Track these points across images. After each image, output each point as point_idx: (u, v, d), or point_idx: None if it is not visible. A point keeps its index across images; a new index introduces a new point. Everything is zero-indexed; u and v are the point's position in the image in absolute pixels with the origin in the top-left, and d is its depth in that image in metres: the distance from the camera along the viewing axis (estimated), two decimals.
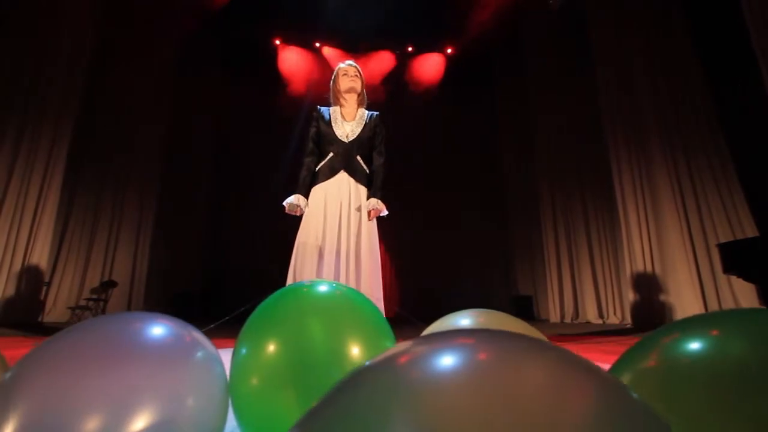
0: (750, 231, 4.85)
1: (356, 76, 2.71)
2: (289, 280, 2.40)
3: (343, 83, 2.69)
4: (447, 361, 0.32)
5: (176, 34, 7.41)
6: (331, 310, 0.68)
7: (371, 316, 0.70)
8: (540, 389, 0.30)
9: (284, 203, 2.47)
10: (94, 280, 6.73)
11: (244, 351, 0.66)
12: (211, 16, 7.81)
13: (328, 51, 8.96)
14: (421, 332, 0.73)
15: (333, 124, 2.58)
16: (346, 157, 2.51)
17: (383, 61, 8.91)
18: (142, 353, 0.54)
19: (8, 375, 0.52)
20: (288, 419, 0.64)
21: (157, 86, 7.23)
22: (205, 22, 7.85)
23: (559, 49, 7.40)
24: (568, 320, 6.88)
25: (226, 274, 8.65)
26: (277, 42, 8.96)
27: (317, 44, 8.96)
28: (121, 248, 6.97)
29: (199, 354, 0.58)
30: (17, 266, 5.23)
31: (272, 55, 9.01)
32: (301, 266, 2.39)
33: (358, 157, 2.56)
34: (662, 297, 5.29)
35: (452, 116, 9.17)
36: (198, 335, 0.62)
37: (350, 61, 2.80)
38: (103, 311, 6.61)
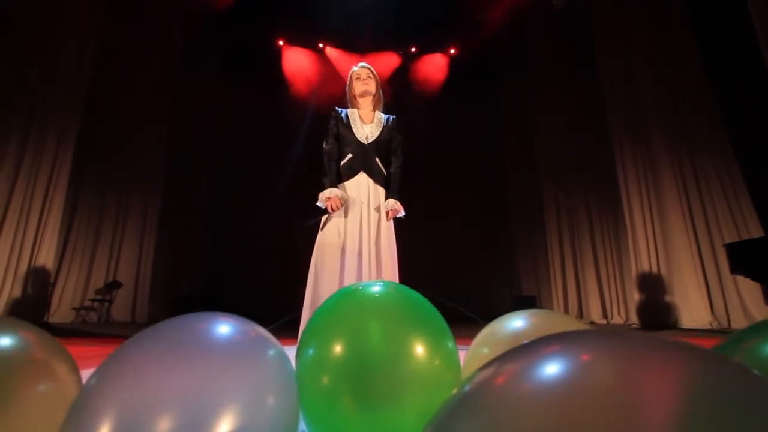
0: (756, 231, 4.87)
1: (369, 77, 2.72)
2: (310, 280, 2.41)
3: (357, 87, 2.71)
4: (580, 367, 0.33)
5: (179, 35, 7.40)
6: (392, 310, 0.69)
7: (431, 316, 0.71)
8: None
9: (323, 198, 2.43)
10: (98, 281, 6.72)
11: (311, 351, 0.66)
12: (214, 17, 7.81)
13: (331, 51, 8.97)
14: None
15: (352, 126, 2.61)
16: (365, 159, 2.54)
17: (387, 61, 8.92)
18: (221, 353, 0.55)
19: (93, 380, 0.52)
20: (352, 419, 0.65)
21: (160, 87, 7.23)
22: (209, 23, 7.85)
23: (562, 48, 7.42)
24: None
25: (229, 275, 8.65)
26: (281, 43, 8.96)
27: (320, 45, 8.97)
28: (125, 249, 6.96)
29: (272, 352, 0.58)
30: (23, 267, 5.23)
31: (275, 56, 9.02)
32: (322, 266, 2.39)
33: (377, 159, 2.58)
34: (668, 297, 5.31)
35: (454, 116, 9.19)
36: (264, 332, 0.63)
37: (363, 63, 2.81)
38: (108, 312, 6.61)
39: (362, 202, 2.49)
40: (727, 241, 4.87)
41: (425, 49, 9.09)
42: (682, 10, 5.65)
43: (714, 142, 5.25)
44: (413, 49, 9.08)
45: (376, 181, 2.56)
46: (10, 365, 0.55)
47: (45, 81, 5.45)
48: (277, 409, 0.52)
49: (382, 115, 2.76)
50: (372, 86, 2.71)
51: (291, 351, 0.66)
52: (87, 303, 6.43)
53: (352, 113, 2.68)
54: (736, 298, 4.89)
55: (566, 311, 7.10)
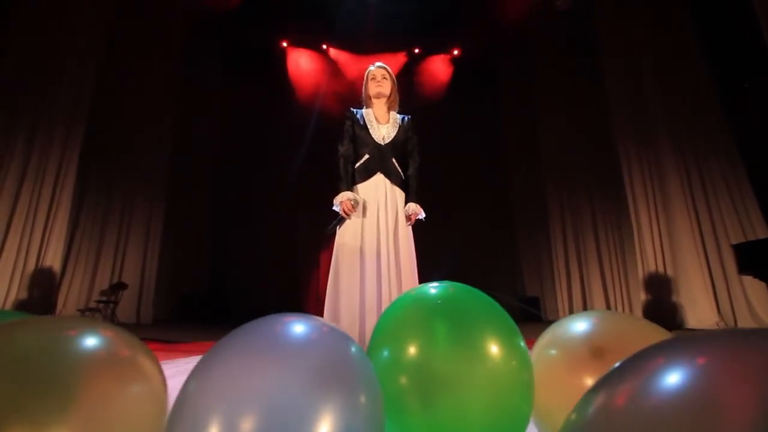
0: (762, 232, 4.90)
1: (384, 78, 2.72)
2: (330, 283, 2.41)
3: (372, 88, 2.71)
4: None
5: (183, 36, 7.41)
6: (462, 310, 0.70)
7: (501, 316, 0.72)
8: None
9: (338, 202, 2.43)
10: (103, 282, 6.71)
11: (385, 353, 0.67)
12: (218, 19, 7.82)
13: (334, 53, 8.98)
14: None
15: (369, 127, 2.60)
16: (382, 159, 2.52)
17: (391, 62, 8.93)
18: (314, 353, 0.55)
19: (193, 382, 0.53)
20: (427, 422, 0.66)
21: (164, 89, 7.23)
22: (212, 24, 7.86)
23: (564, 48, 7.45)
24: None
25: (233, 275, 8.65)
26: (284, 44, 8.97)
27: (324, 46, 8.98)
28: (130, 250, 6.96)
29: (354, 349, 0.59)
30: (30, 268, 5.22)
31: (278, 57, 9.02)
32: (341, 269, 2.39)
33: (393, 160, 2.58)
34: (674, 297, 5.34)
35: (457, 116, 9.21)
36: (342, 332, 0.63)
37: (379, 63, 2.80)
38: (113, 313, 6.59)
39: (379, 203, 2.48)
40: (733, 241, 4.91)
41: (429, 50, 9.12)
42: (686, 11, 5.69)
43: (719, 143, 5.28)
44: (417, 51, 9.10)
45: (393, 182, 2.56)
46: (103, 365, 0.55)
47: (51, 82, 5.45)
48: (369, 408, 0.53)
49: (398, 115, 2.76)
50: (387, 87, 2.71)
51: None
52: (92, 304, 6.41)
53: (367, 113, 2.67)
54: (742, 299, 4.92)
55: (571, 312, 7.12)
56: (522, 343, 0.68)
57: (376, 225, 2.40)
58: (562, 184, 7.47)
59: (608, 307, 6.68)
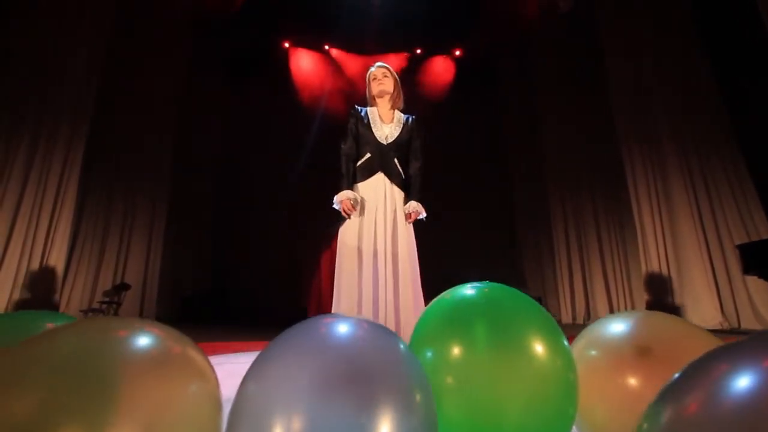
0: (764, 231, 4.92)
1: (385, 77, 2.71)
2: (335, 282, 2.41)
3: (374, 88, 2.70)
4: None
5: (186, 37, 7.41)
6: (504, 310, 0.71)
7: (544, 315, 0.72)
8: None
9: (337, 202, 2.44)
10: (106, 283, 6.70)
11: (429, 354, 0.68)
12: (221, 20, 7.81)
13: (336, 54, 8.98)
14: None
15: (372, 126, 2.60)
16: (384, 159, 2.52)
17: (393, 62, 8.94)
18: (367, 353, 0.56)
19: (252, 384, 0.54)
20: (467, 421, 0.66)
21: (166, 90, 7.22)
22: (215, 25, 7.85)
23: (567, 49, 7.47)
24: (580, 321, 6.93)
25: (236, 275, 8.64)
26: (286, 45, 8.97)
27: (326, 47, 8.98)
28: (133, 251, 6.94)
29: (403, 348, 0.60)
30: (34, 269, 5.21)
31: (280, 58, 9.02)
32: (342, 269, 2.40)
33: (395, 160, 2.58)
34: (677, 297, 5.35)
35: (459, 117, 9.23)
36: (388, 330, 0.64)
37: (380, 63, 2.80)
38: (116, 314, 6.58)
39: (378, 203, 2.47)
40: (737, 241, 4.93)
41: (430, 51, 9.13)
42: (684, 13, 5.71)
43: (721, 143, 5.30)
44: (418, 51, 9.11)
45: (394, 182, 2.54)
46: (157, 363, 0.55)
47: (54, 83, 5.43)
48: (423, 408, 0.54)
49: (402, 114, 2.75)
50: (389, 85, 2.70)
51: None
52: (95, 305, 6.40)
53: (371, 112, 2.67)
54: (745, 298, 4.94)
55: (574, 312, 7.14)
56: (566, 343, 0.69)
57: (373, 225, 2.39)
58: (564, 184, 7.48)
59: (610, 307, 6.69)
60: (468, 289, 0.77)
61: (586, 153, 7.17)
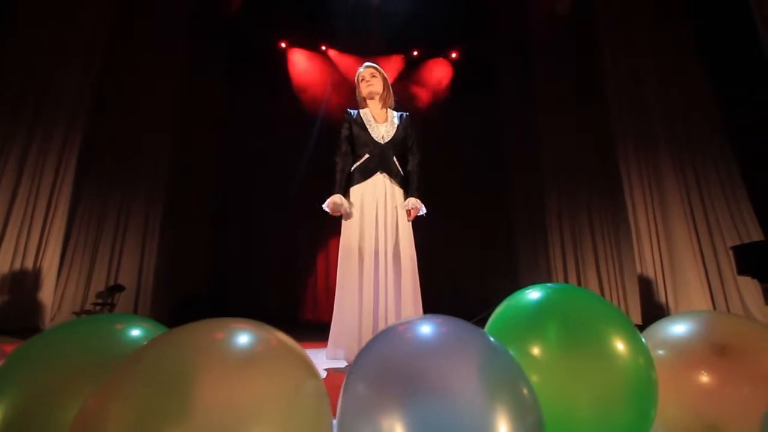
0: (756, 234, 5.07)
1: (373, 77, 2.74)
2: (338, 281, 2.43)
3: (363, 89, 2.74)
4: None
5: (185, 36, 7.33)
6: (578, 309, 0.72)
7: (620, 315, 0.74)
8: None
9: (326, 204, 2.50)
10: (99, 284, 6.57)
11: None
12: (220, 19, 7.75)
13: (333, 54, 8.97)
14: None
15: (367, 126, 2.62)
16: (383, 158, 2.55)
17: (390, 64, 8.96)
18: (474, 353, 0.57)
19: (362, 387, 0.55)
20: (550, 421, 0.68)
21: (164, 90, 7.13)
22: (214, 26, 7.79)
23: (564, 51, 7.57)
24: None
25: (232, 277, 8.57)
26: (283, 45, 8.92)
27: (323, 47, 8.96)
28: (127, 252, 6.82)
29: (504, 347, 0.61)
30: (27, 270, 5.09)
31: (279, 59, 8.97)
32: (344, 270, 2.41)
33: (394, 158, 2.60)
34: (671, 298, 5.47)
35: (456, 117, 9.30)
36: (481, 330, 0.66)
37: (368, 63, 2.83)
38: None
39: (378, 203, 2.50)
40: (729, 244, 5.07)
41: (428, 53, 9.18)
42: (682, 21, 5.85)
43: (715, 147, 5.45)
44: (415, 53, 9.15)
45: (394, 180, 2.58)
46: (268, 361, 0.56)
47: (51, 82, 5.32)
48: (536, 404, 0.55)
49: (395, 112, 2.78)
50: (377, 85, 2.73)
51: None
52: (89, 307, 6.27)
53: (364, 113, 2.69)
54: (737, 299, 5.08)
55: None
56: (644, 341, 0.71)
57: (374, 225, 2.42)
58: (560, 185, 7.58)
59: None
60: (539, 290, 0.79)
61: (582, 154, 7.29)
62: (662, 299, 5.54)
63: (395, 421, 0.51)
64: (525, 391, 0.55)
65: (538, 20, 7.85)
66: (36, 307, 5.21)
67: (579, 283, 7.21)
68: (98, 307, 6.36)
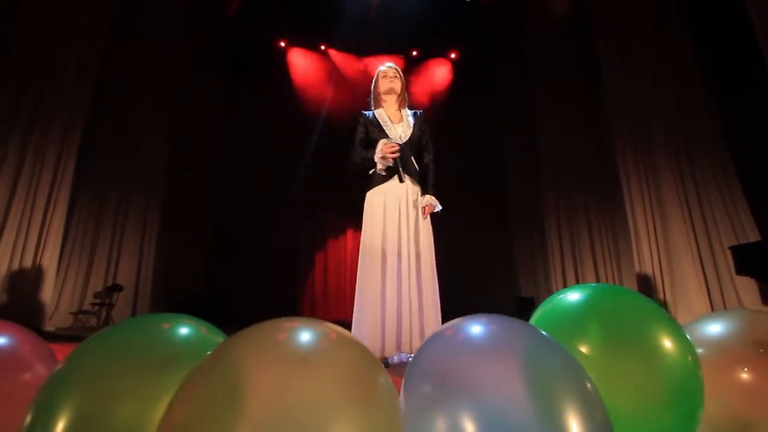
0: (752, 235, 5.14)
1: (395, 77, 2.76)
2: (359, 282, 2.43)
3: (383, 85, 2.74)
4: None
5: (184, 35, 7.29)
6: (623, 309, 0.74)
7: (660, 312, 0.76)
8: None
9: (379, 158, 2.44)
10: (97, 284, 6.52)
11: None
12: (219, 19, 7.72)
13: (333, 53, 8.96)
14: None
15: (384, 127, 2.61)
16: (402, 159, 2.55)
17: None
18: (523, 353, 0.58)
19: (426, 388, 0.55)
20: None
21: (163, 91, 7.09)
22: (213, 25, 7.75)
23: (562, 53, 7.63)
24: None
25: (231, 277, 8.53)
26: (282, 44, 8.90)
27: (323, 47, 8.95)
28: (125, 252, 6.78)
29: (551, 337, 0.63)
30: (26, 270, 5.04)
31: (278, 58, 8.94)
32: (365, 269, 2.41)
33: (411, 158, 2.61)
34: (669, 298, 5.53)
35: (455, 118, 9.32)
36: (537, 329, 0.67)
37: (390, 63, 2.85)
38: (108, 316, 6.41)
39: (401, 203, 2.50)
40: (726, 244, 5.14)
41: (427, 54, 9.20)
42: (680, 22, 5.92)
43: (712, 149, 5.51)
44: (414, 53, 9.17)
45: (413, 180, 2.58)
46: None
47: (49, 81, 5.26)
48: (601, 403, 0.57)
49: (409, 111, 2.79)
50: (398, 85, 2.75)
51: None
52: (87, 307, 6.22)
53: (379, 114, 2.69)
54: (734, 298, 5.15)
55: None
56: (689, 338, 0.72)
57: (397, 226, 2.42)
58: (559, 186, 7.63)
59: None
60: (581, 290, 0.80)
61: (580, 155, 7.34)
62: (660, 299, 5.60)
63: (466, 420, 0.52)
64: (589, 386, 0.56)
65: (536, 21, 7.89)
66: (34, 307, 5.16)
67: (577, 282, 7.27)
68: (96, 308, 6.31)
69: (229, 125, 8.81)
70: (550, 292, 7.73)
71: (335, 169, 9.03)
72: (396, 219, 2.46)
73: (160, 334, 0.68)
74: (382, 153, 2.42)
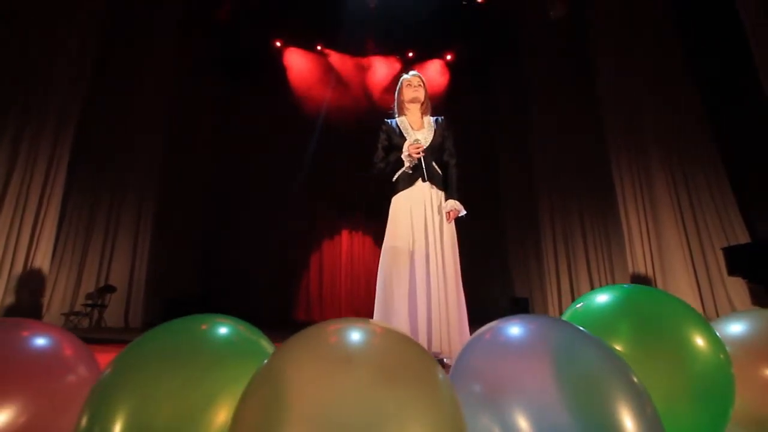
0: (742, 236, 5.26)
1: (419, 86, 2.79)
2: (379, 285, 2.43)
3: (407, 93, 2.77)
4: None
5: (178, 36, 7.22)
6: (653, 308, 0.76)
7: (690, 311, 0.77)
8: None
9: (406, 156, 2.47)
10: (89, 285, 6.42)
11: None
12: (214, 19, 7.67)
13: (330, 53, 8.95)
14: None
15: (405, 135, 2.65)
16: (424, 164, 2.57)
17: (385, 66, 8.99)
18: (566, 353, 0.60)
19: (477, 387, 0.57)
20: None
21: (157, 89, 7.02)
22: (208, 25, 7.70)
23: (558, 54, 7.71)
24: None
25: (224, 278, 8.46)
26: (278, 44, 8.86)
27: (319, 47, 8.94)
28: (118, 253, 6.69)
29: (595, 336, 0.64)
30: (18, 271, 4.95)
31: (273, 58, 8.90)
32: (392, 273, 2.40)
33: (433, 163, 2.63)
34: None
35: (451, 119, 9.34)
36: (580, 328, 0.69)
37: (414, 72, 2.88)
38: (100, 317, 6.33)
39: (426, 208, 2.52)
40: (717, 246, 5.25)
41: (423, 54, 9.23)
42: (673, 30, 6.03)
43: (703, 152, 5.62)
44: (410, 54, 9.20)
45: (436, 185, 2.61)
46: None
47: (42, 81, 5.17)
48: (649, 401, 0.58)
49: (431, 118, 2.82)
50: (422, 94, 2.78)
51: None
52: (79, 308, 6.13)
53: (401, 122, 2.72)
54: (725, 299, 5.25)
55: (561, 313, 7.36)
56: (719, 337, 0.74)
57: (423, 230, 2.44)
58: (553, 186, 7.70)
59: None
60: (611, 291, 0.81)
61: (574, 156, 7.41)
62: None
63: (520, 419, 0.53)
64: (636, 381, 0.57)
65: (532, 23, 7.97)
66: (26, 308, 5.06)
67: (570, 282, 7.35)
68: (88, 309, 6.22)
69: (223, 125, 8.74)
70: (543, 293, 7.81)
71: (332, 170, 9.06)
72: (423, 223, 2.48)
73: (201, 334, 0.68)
74: (408, 151, 2.47)
